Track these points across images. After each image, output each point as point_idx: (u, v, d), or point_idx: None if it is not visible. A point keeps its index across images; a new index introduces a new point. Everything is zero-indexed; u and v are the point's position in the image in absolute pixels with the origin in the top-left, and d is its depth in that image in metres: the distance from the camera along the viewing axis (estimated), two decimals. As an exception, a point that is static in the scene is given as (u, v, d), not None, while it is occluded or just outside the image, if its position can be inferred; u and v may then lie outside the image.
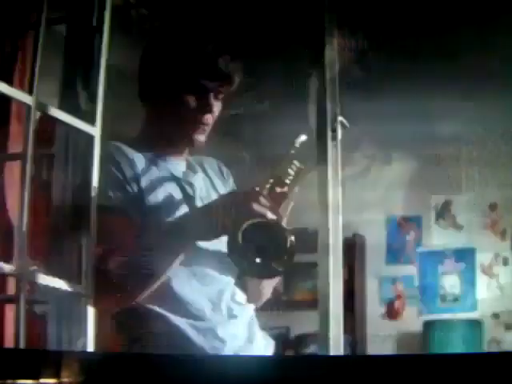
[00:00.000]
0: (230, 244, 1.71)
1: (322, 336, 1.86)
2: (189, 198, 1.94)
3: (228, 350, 1.86)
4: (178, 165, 1.99)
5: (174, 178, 1.95)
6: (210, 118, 1.95)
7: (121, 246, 1.79)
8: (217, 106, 1.96)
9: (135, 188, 1.87)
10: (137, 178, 1.89)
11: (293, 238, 1.73)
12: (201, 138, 1.95)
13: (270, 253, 1.73)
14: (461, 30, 3.35)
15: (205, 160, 2.08)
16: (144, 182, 1.89)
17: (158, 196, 1.89)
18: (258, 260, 1.73)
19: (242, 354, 1.88)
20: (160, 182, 1.92)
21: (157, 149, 1.96)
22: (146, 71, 1.98)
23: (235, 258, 1.72)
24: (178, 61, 1.92)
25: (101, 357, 1.64)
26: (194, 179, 1.99)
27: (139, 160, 1.92)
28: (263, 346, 1.96)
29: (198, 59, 1.92)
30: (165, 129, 1.96)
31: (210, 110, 1.93)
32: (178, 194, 1.94)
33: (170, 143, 1.98)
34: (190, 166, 2.00)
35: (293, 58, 3.24)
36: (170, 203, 1.91)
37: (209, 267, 1.90)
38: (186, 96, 1.92)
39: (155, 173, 1.93)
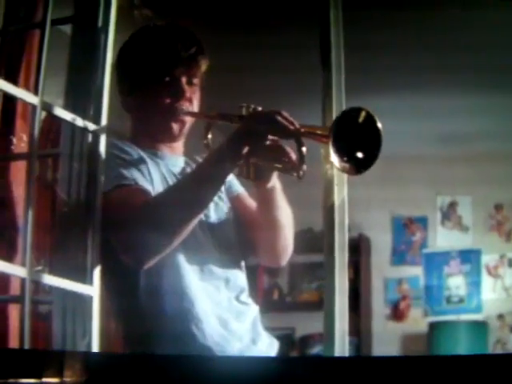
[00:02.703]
0: None
1: (327, 337, 1.85)
2: None
3: (232, 350, 1.86)
4: (176, 161, 1.99)
5: (172, 174, 1.95)
6: (186, 105, 1.94)
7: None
8: (192, 93, 1.96)
9: (144, 169, 1.89)
10: (144, 160, 1.90)
11: None
12: (180, 127, 1.96)
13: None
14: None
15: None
16: (150, 168, 1.90)
17: (159, 188, 1.90)
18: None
19: (246, 354, 1.88)
20: (161, 174, 1.93)
21: (149, 145, 1.96)
22: (122, 66, 1.99)
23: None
24: (149, 54, 1.94)
25: (104, 357, 1.64)
26: None
27: (140, 153, 1.93)
28: (267, 346, 1.96)
29: (164, 49, 1.93)
30: (146, 122, 1.97)
31: (183, 95, 1.94)
32: None
33: (153, 136, 1.97)
34: (187, 164, 2.01)
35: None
36: None
37: (209, 261, 1.90)
38: (159, 86, 1.93)
39: (155, 166, 1.93)
